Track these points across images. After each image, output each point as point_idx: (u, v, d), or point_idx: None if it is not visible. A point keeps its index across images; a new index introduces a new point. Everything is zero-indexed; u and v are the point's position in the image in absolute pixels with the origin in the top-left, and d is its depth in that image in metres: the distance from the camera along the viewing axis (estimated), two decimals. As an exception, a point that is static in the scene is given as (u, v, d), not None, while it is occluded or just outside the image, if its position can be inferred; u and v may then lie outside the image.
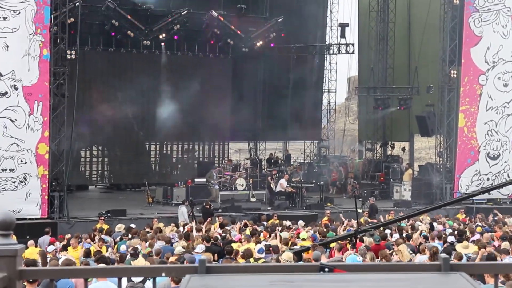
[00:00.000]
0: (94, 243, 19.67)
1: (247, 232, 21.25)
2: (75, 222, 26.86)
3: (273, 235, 20.46)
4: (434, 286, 2.89)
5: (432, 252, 14.53)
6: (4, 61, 25.70)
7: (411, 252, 17.12)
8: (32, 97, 25.93)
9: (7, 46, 25.64)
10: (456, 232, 20.52)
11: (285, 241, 18.75)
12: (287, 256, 14.10)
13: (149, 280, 11.54)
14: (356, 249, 17.18)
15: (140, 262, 14.64)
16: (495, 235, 19.58)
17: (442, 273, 3.04)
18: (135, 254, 15.81)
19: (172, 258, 15.51)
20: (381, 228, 21.21)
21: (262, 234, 20.88)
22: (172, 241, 19.66)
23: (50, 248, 18.41)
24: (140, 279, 11.46)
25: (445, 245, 17.31)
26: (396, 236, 19.81)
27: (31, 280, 10.46)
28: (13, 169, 25.74)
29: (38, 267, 12.07)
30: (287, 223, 23.85)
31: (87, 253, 16.74)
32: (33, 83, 25.98)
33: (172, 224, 24.37)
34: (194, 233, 20.98)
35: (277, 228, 22.08)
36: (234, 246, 17.63)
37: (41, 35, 26.08)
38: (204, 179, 33.45)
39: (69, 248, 18.96)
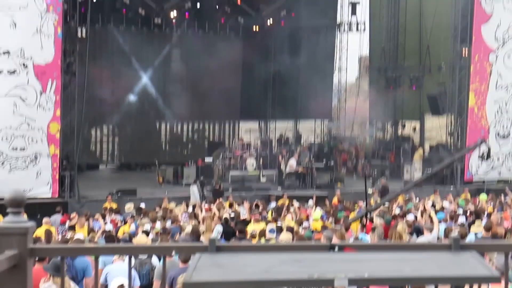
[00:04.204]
0: (106, 223, 19.76)
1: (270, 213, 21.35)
2: (85, 201, 26.94)
3: (284, 215, 20.52)
4: (445, 265, 2.89)
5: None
6: (12, 38, 25.38)
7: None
8: (45, 75, 25.81)
9: (15, 24, 25.43)
10: (468, 212, 20.48)
11: (298, 221, 18.78)
12: (286, 237, 14.14)
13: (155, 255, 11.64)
14: (367, 230, 17.18)
15: (142, 239, 14.65)
16: (504, 216, 19.48)
17: (452, 252, 3.03)
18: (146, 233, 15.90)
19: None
20: (391, 209, 21.29)
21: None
22: (183, 220, 19.72)
23: (63, 227, 18.51)
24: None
25: (457, 226, 17.29)
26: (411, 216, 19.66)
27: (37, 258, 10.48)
28: (24, 148, 25.75)
29: (45, 244, 12.10)
30: (296, 204, 23.86)
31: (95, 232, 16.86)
32: (48, 61, 25.83)
33: (184, 203, 24.42)
34: (203, 213, 21.02)
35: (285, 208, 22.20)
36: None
37: (55, 13, 25.92)
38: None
39: (76, 226, 19.01)
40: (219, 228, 16.99)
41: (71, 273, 11.56)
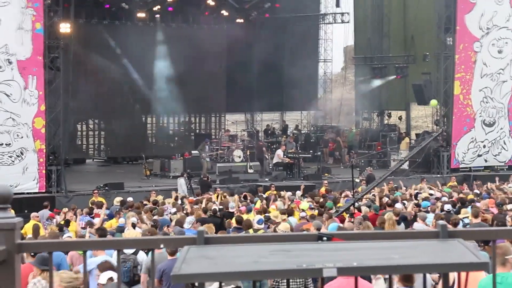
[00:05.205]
0: (92, 217, 19.75)
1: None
2: (73, 195, 26.88)
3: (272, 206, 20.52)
4: (432, 252, 2.90)
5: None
6: (-2, 35, 25.45)
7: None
8: (26, 71, 25.79)
9: (0, 20, 25.41)
10: (453, 199, 20.57)
11: (286, 211, 18.71)
12: (284, 227, 14.12)
13: (142, 251, 11.59)
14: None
15: (131, 233, 14.60)
16: (489, 202, 19.54)
17: (440, 240, 3.04)
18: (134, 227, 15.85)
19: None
20: (378, 198, 21.35)
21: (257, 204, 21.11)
22: (167, 212, 19.69)
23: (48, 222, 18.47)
24: (132, 250, 11.46)
25: (443, 213, 17.37)
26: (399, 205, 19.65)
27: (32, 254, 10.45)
28: (10, 144, 25.68)
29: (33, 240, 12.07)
30: (288, 193, 23.87)
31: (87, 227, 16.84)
32: (27, 57, 25.82)
33: (173, 196, 24.37)
34: (189, 206, 20.95)
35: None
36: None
37: (33, 8, 25.82)
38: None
39: (71, 223, 18.94)
40: (189, 219, 16.52)
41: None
